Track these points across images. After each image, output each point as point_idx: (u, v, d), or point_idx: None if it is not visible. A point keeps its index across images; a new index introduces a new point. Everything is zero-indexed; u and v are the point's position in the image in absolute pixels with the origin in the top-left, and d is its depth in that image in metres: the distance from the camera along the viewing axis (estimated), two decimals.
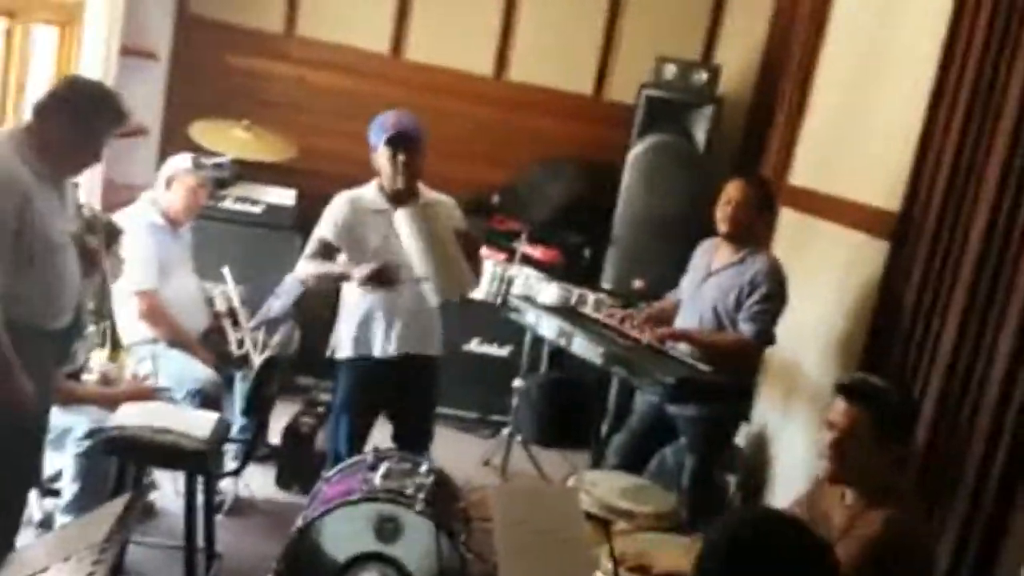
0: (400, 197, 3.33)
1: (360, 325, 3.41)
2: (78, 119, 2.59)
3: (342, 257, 3.41)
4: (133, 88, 4.98)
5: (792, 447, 4.17)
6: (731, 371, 3.48)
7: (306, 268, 3.43)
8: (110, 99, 2.72)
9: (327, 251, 3.40)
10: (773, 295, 3.51)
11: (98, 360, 3.40)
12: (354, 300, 3.42)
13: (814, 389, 4.08)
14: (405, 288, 3.32)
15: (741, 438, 4.39)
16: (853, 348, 3.81)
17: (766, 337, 3.54)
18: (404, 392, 3.48)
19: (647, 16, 5.47)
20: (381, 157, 3.33)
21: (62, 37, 4.12)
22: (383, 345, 3.40)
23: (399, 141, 3.28)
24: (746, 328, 3.50)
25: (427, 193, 3.47)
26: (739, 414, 3.91)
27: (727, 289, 3.56)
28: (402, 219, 3.29)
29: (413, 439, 3.48)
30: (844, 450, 2.32)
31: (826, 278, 4.09)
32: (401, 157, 3.28)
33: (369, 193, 3.43)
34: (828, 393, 3.91)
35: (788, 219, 4.61)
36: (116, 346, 2.91)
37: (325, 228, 3.40)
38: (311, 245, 3.43)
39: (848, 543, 2.21)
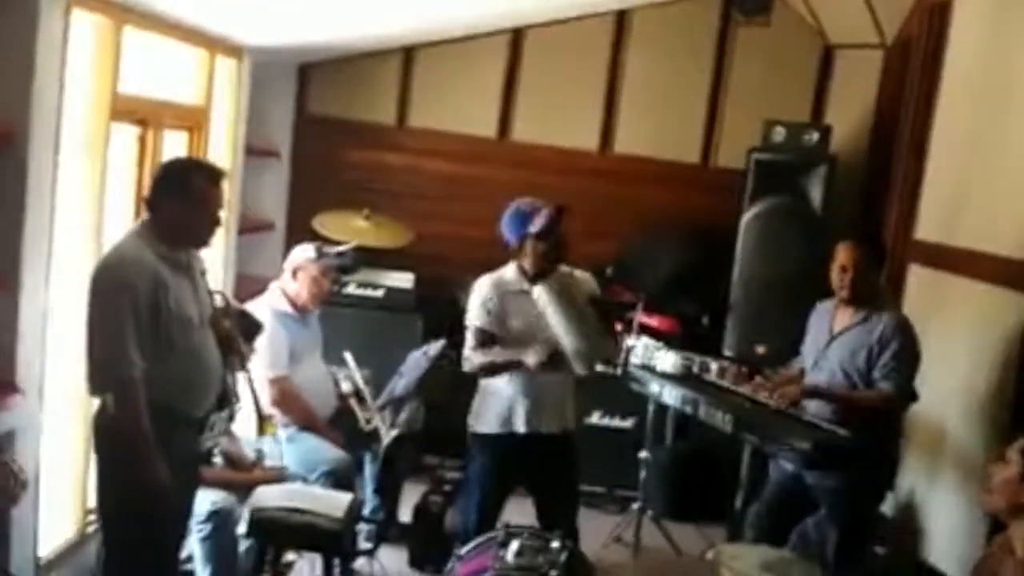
0: (539, 275, 3.39)
1: (505, 403, 3.42)
2: (180, 190, 2.75)
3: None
4: (258, 185, 5.29)
5: (943, 514, 3.95)
6: (871, 435, 3.33)
7: (479, 359, 3.42)
8: (199, 163, 2.97)
9: (489, 339, 3.42)
10: (906, 350, 3.38)
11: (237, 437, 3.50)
12: (500, 379, 3.43)
13: (960, 451, 3.87)
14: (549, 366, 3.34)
15: (888, 507, 4.17)
16: (998, 406, 3.61)
17: (908, 393, 3.40)
18: (545, 468, 3.46)
19: (750, 83, 5.50)
20: (527, 249, 3.37)
21: (191, 140, 4.34)
22: (527, 422, 3.40)
23: (545, 235, 3.34)
24: (885, 386, 3.37)
25: (561, 267, 3.48)
26: (883, 481, 3.70)
27: (855, 349, 3.44)
28: (540, 294, 3.34)
29: (558, 512, 3.42)
30: None
31: (962, 334, 3.91)
32: (542, 247, 3.35)
33: (510, 275, 3.47)
34: (976, 454, 3.75)
35: (917, 275, 4.46)
36: (262, 421, 3.00)
37: (479, 317, 3.42)
38: (473, 336, 3.44)
39: None
